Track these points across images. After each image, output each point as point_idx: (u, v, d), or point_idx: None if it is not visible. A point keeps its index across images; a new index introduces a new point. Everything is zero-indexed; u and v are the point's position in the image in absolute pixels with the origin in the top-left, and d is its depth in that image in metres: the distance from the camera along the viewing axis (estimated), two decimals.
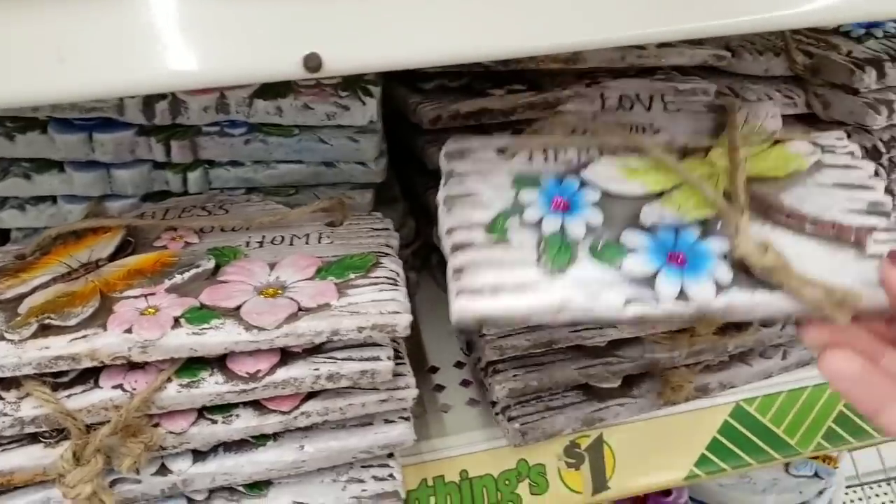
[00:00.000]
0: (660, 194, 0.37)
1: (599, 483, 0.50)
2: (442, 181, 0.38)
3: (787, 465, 0.77)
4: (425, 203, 0.56)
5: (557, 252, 0.35)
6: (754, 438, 0.52)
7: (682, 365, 0.49)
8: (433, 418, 0.50)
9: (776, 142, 0.42)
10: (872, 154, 0.61)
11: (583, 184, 0.38)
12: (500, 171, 0.38)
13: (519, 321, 0.34)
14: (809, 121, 0.61)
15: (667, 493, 0.70)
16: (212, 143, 0.48)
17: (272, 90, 0.48)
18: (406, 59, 0.29)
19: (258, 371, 0.38)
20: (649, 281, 0.34)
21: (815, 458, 0.77)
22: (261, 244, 0.44)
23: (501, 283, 0.33)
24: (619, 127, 0.44)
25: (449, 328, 0.57)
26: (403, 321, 0.38)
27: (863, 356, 0.32)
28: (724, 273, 0.34)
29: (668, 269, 0.34)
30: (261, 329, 0.37)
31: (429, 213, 0.55)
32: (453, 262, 0.35)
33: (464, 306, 0.33)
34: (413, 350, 0.55)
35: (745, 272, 0.34)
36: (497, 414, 0.49)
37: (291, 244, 0.44)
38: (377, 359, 0.39)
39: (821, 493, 0.77)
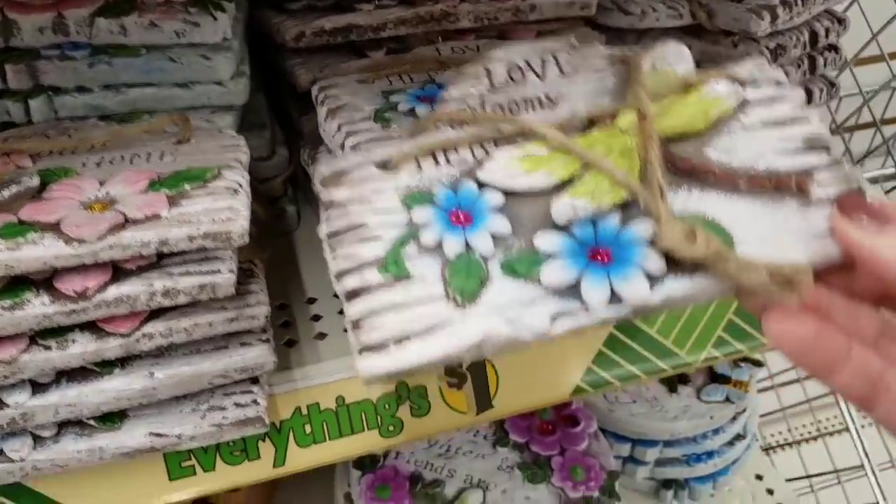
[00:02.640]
0: (569, 181, 0.33)
1: (483, 402, 0.49)
2: (322, 214, 0.34)
3: (698, 391, 0.77)
4: (300, 129, 0.54)
5: (466, 278, 0.30)
6: (641, 350, 0.51)
7: None
8: (308, 346, 0.48)
9: (690, 86, 0.36)
10: None
11: (481, 186, 0.33)
12: (385, 192, 0.33)
13: (437, 366, 0.29)
14: (695, 32, 0.60)
15: (574, 422, 0.69)
16: (52, 68, 0.45)
17: (115, 8, 0.46)
18: None
19: (86, 289, 0.36)
20: (574, 289, 0.30)
21: (726, 383, 0.77)
22: (98, 165, 0.41)
23: (408, 329, 0.29)
24: (507, 110, 0.37)
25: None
26: (238, 228, 0.36)
27: (812, 311, 0.29)
28: (656, 262, 0.30)
29: (593, 271, 0.30)
30: (82, 242, 0.35)
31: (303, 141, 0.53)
32: (349, 312, 0.30)
33: (370, 366, 0.29)
34: (292, 281, 0.53)
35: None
36: None
37: (131, 163, 0.41)
38: (217, 272, 0.37)
39: (734, 418, 0.77)
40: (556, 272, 0.30)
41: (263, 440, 0.46)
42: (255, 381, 0.43)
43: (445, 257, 0.31)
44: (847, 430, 0.83)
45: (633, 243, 0.31)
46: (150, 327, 0.38)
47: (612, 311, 0.30)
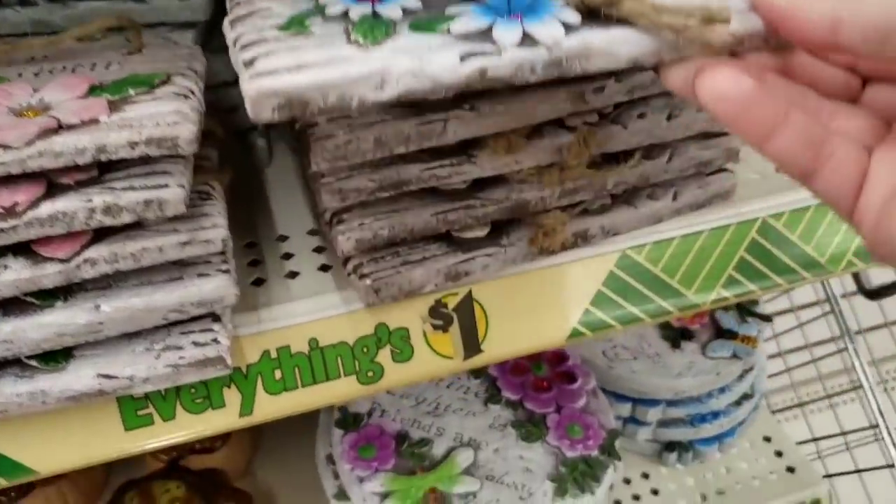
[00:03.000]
0: None
1: (471, 346, 0.45)
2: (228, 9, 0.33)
3: (703, 347, 0.73)
4: None
5: (371, 29, 0.30)
6: (645, 290, 0.47)
7: (555, 207, 0.44)
8: (278, 285, 0.44)
9: None
10: None
11: None
12: None
13: (334, 101, 0.28)
14: None
15: (571, 379, 0.65)
16: None
17: None
18: None
19: (16, 204, 0.31)
20: (485, 34, 0.29)
21: (733, 338, 0.73)
22: (37, 75, 0.37)
23: (306, 61, 0.28)
24: None
25: (304, 198, 0.51)
26: (186, 132, 0.32)
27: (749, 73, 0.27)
28: (572, 16, 0.29)
29: (505, 21, 0.29)
30: (7, 148, 0.30)
31: None
32: (242, 56, 0.29)
33: (261, 85, 0.27)
34: (262, 220, 0.49)
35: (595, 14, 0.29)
36: (349, 274, 0.43)
37: (73, 72, 0.37)
38: (164, 186, 0.33)
39: (741, 376, 0.73)
40: (467, 23, 0.29)
41: (229, 386, 0.42)
42: (216, 318, 0.39)
43: (350, 21, 0.30)
44: (860, 387, 0.79)
45: (549, 5, 0.30)
46: (92, 251, 0.34)
47: (526, 53, 0.29)
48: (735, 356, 0.72)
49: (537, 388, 0.64)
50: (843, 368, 0.93)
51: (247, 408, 0.42)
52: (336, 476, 0.61)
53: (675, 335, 0.73)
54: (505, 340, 0.45)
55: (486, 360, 0.45)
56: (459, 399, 0.64)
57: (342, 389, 0.43)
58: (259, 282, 0.44)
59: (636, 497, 0.73)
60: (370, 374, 0.43)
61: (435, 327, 0.44)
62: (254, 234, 0.48)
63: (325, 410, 0.66)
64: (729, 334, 0.73)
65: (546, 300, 0.45)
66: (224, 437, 0.69)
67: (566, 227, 0.44)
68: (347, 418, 0.61)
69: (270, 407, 0.42)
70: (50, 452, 0.40)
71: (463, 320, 0.44)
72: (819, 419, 1.03)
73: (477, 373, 0.66)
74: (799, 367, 0.94)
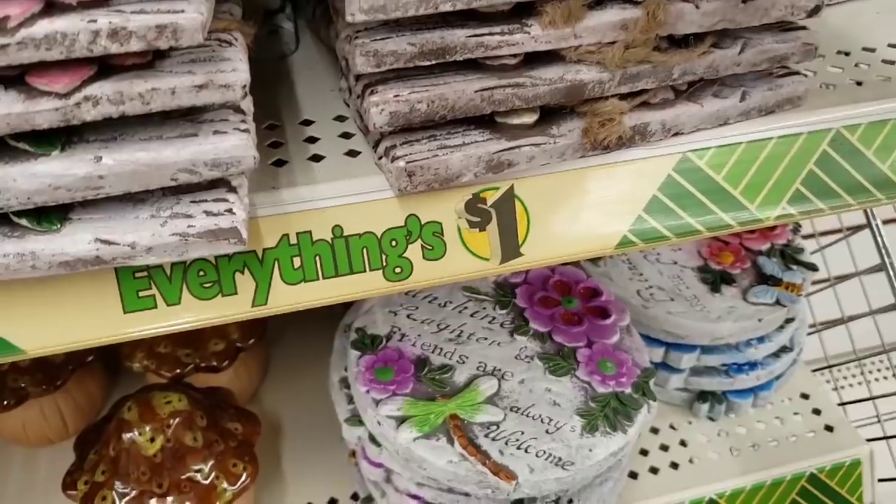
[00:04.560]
0: None
1: (510, 248, 0.40)
2: None
3: (744, 293, 0.68)
4: None
5: None
6: (704, 199, 0.42)
7: (613, 94, 0.39)
8: (301, 168, 0.39)
9: None
10: None
11: None
12: None
13: None
14: None
15: (604, 314, 0.61)
16: None
17: None
18: None
19: (7, 18, 0.27)
20: None
21: (777, 285, 0.69)
22: None
23: None
24: None
25: (332, 87, 0.46)
26: None
27: None
28: None
29: None
30: None
31: None
32: None
33: None
34: (286, 104, 0.45)
35: None
36: (380, 158, 0.38)
37: None
38: (181, 11, 0.28)
39: (782, 327, 0.68)
40: None
41: (242, 272, 0.37)
42: (231, 190, 0.35)
43: None
44: None
45: None
46: (94, 88, 0.29)
47: None
48: (778, 303, 0.67)
49: (568, 321, 0.60)
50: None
51: (261, 297, 0.38)
52: (350, 400, 0.57)
53: (715, 278, 0.69)
54: (547, 244, 0.41)
55: (525, 264, 0.41)
56: (484, 328, 0.60)
57: (366, 284, 0.39)
58: (280, 163, 0.40)
59: (664, 447, 0.69)
60: (398, 269, 0.39)
61: (471, 224, 0.40)
62: (276, 117, 0.43)
63: (340, 334, 0.62)
64: (773, 280, 0.69)
65: (595, 202, 0.41)
66: (231, 357, 0.65)
67: (624, 117, 0.39)
68: (365, 339, 0.57)
69: (287, 297, 0.38)
70: (39, 330, 0.36)
71: (502, 218, 0.40)
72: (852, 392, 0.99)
73: (503, 303, 0.62)
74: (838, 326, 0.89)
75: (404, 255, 0.39)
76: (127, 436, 0.53)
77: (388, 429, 0.52)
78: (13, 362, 0.58)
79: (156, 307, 0.37)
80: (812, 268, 0.70)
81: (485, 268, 0.40)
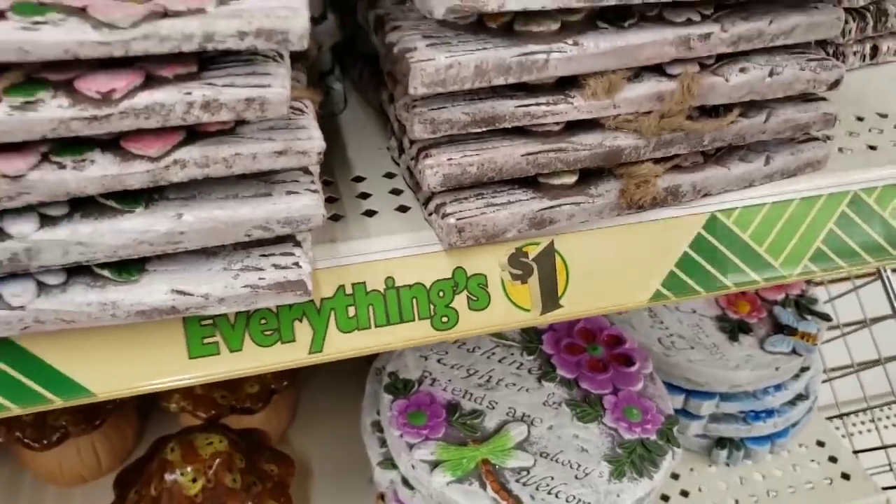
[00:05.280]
0: None
1: (550, 299, 0.43)
2: None
3: (761, 340, 0.70)
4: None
5: None
6: (732, 256, 0.45)
7: (648, 159, 0.42)
8: (355, 222, 0.42)
9: None
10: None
11: None
12: None
13: None
14: None
15: (629, 362, 0.63)
16: None
17: None
18: None
19: (113, 91, 0.30)
20: None
21: (792, 334, 0.71)
22: None
23: None
24: None
25: (379, 145, 0.49)
26: (297, 26, 0.30)
27: None
28: None
29: None
30: (112, 27, 0.29)
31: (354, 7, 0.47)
32: None
33: None
34: (338, 161, 0.48)
35: None
36: (431, 214, 0.41)
37: None
38: (267, 86, 0.31)
39: (798, 375, 0.71)
40: None
41: (300, 320, 0.40)
42: (297, 244, 0.37)
43: None
44: None
45: None
46: (183, 152, 0.32)
47: None
48: (794, 352, 0.69)
49: (593, 368, 0.62)
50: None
51: (317, 344, 0.40)
52: (382, 444, 0.59)
53: (733, 327, 0.71)
54: (585, 296, 0.43)
55: (564, 315, 0.43)
56: (512, 374, 0.62)
57: (415, 332, 0.41)
58: (336, 217, 0.42)
59: (684, 493, 0.70)
60: (444, 319, 0.42)
61: (514, 276, 0.42)
62: (330, 173, 0.46)
63: (372, 378, 0.65)
64: (788, 330, 0.71)
65: (630, 258, 0.44)
66: (266, 400, 0.67)
67: (658, 180, 0.42)
68: (398, 384, 0.60)
69: (342, 344, 0.40)
70: (109, 374, 0.39)
71: (543, 271, 0.43)
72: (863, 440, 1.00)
73: (530, 349, 0.64)
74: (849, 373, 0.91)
75: (451, 305, 0.42)
76: (170, 476, 0.55)
77: (422, 472, 0.54)
78: None
79: (219, 353, 0.39)
80: (826, 318, 0.73)
81: (526, 318, 0.43)
